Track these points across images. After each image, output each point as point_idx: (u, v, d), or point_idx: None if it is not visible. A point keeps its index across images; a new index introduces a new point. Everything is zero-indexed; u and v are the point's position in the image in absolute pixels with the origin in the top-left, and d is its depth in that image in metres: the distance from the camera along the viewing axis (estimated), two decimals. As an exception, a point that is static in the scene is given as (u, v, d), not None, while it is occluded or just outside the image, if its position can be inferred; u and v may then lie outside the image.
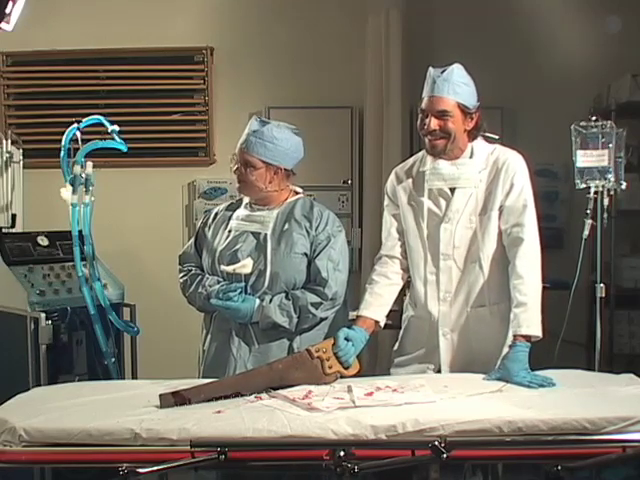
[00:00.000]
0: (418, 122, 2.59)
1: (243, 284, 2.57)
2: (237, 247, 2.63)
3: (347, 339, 2.45)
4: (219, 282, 2.62)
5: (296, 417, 1.99)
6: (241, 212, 2.72)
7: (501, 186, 2.54)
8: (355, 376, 2.47)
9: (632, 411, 1.97)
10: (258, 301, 2.56)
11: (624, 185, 3.16)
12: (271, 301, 2.57)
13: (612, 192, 3.15)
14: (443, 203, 2.59)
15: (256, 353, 2.59)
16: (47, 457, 1.95)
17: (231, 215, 2.73)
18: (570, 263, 3.15)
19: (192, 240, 2.81)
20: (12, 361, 3.28)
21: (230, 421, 1.97)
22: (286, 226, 2.64)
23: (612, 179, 3.10)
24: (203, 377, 2.64)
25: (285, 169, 2.66)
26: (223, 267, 2.60)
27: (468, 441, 1.92)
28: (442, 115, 2.51)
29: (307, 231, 2.64)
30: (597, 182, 3.10)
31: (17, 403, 2.20)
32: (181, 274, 2.76)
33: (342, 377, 2.42)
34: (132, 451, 1.89)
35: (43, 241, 3.54)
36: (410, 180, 2.67)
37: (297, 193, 2.75)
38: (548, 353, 2.87)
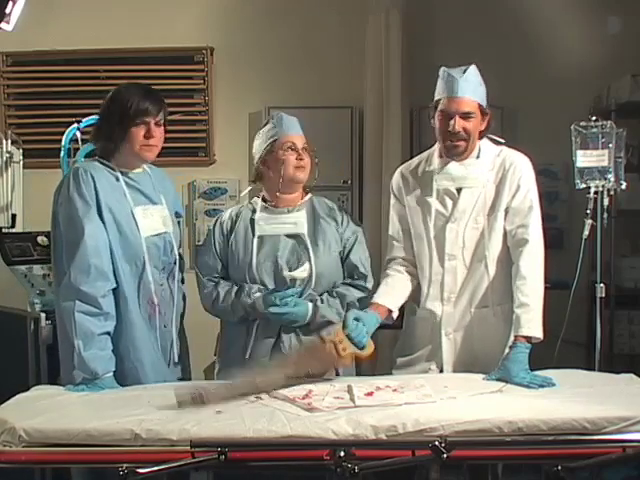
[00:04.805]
0: (437, 124, 2.56)
1: (300, 289, 2.59)
2: (277, 253, 2.62)
3: (356, 319, 2.42)
4: (260, 290, 2.60)
5: (296, 417, 1.99)
6: (263, 215, 2.68)
7: (507, 187, 2.54)
8: (357, 372, 2.48)
9: (632, 411, 1.97)
10: (310, 303, 2.58)
11: (624, 185, 3.16)
12: (322, 301, 2.60)
13: (612, 192, 3.15)
14: (449, 203, 2.59)
15: None
16: (47, 457, 1.95)
17: (252, 220, 2.68)
18: (570, 263, 3.15)
19: (210, 250, 2.70)
20: (12, 361, 3.28)
21: (230, 421, 1.97)
22: (318, 226, 2.67)
23: (612, 179, 3.09)
24: None
25: None
26: (287, 273, 2.59)
27: (468, 441, 1.92)
28: (466, 116, 2.51)
29: (336, 230, 2.69)
30: (597, 182, 3.09)
31: (17, 403, 2.20)
32: (206, 286, 2.68)
33: (358, 360, 2.43)
34: (132, 451, 1.89)
35: (43, 241, 3.53)
36: (416, 180, 2.67)
37: (307, 193, 2.77)
38: (548, 353, 2.87)
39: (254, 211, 2.71)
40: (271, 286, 2.61)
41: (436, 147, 2.66)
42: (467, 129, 2.52)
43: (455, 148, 2.55)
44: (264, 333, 2.63)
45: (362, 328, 2.41)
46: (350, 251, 2.68)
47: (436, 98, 2.56)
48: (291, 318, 2.56)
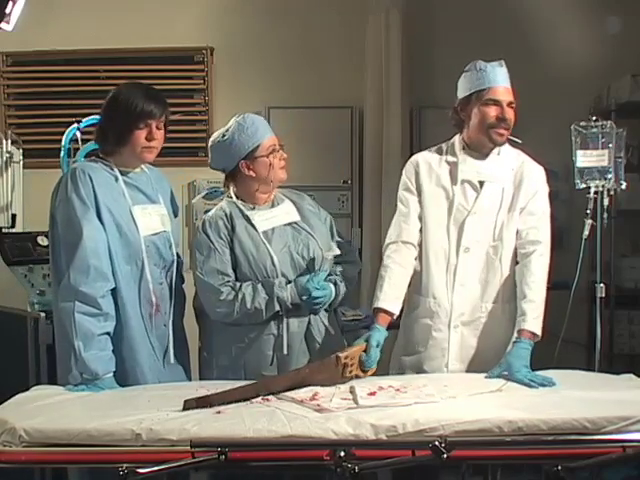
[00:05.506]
0: (478, 114, 2.57)
1: (328, 271, 2.68)
2: (288, 243, 2.65)
3: (377, 345, 2.44)
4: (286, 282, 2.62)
5: (296, 417, 1.98)
6: (254, 212, 2.68)
7: (524, 191, 2.59)
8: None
9: (632, 411, 1.97)
10: (331, 284, 2.66)
11: (624, 185, 3.16)
12: (341, 281, 2.70)
13: (612, 192, 3.15)
14: (471, 196, 2.60)
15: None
16: (47, 457, 1.94)
17: (247, 217, 2.66)
18: (570, 263, 3.15)
19: (214, 255, 2.59)
20: (12, 361, 3.28)
21: (230, 421, 1.97)
22: (303, 212, 2.73)
23: (612, 179, 3.09)
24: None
25: None
26: (327, 253, 2.69)
27: (468, 441, 1.92)
28: (511, 105, 2.58)
29: (315, 213, 2.78)
30: (597, 182, 3.09)
31: (17, 403, 2.19)
32: (222, 292, 2.56)
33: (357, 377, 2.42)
34: (132, 451, 1.89)
35: (43, 241, 3.53)
36: (437, 168, 2.66)
37: None
38: (548, 353, 2.87)
39: (240, 209, 2.69)
40: (290, 276, 2.62)
41: (456, 140, 2.67)
42: (511, 118, 2.58)
43: (501, 136, 2.58)
44: (295, 323, 2.63)
45: (378, 354, 2.44)
46: (332, 230, 2.78)
47: (477, 89, 2.57)
48: (325, 300, 2.61)
